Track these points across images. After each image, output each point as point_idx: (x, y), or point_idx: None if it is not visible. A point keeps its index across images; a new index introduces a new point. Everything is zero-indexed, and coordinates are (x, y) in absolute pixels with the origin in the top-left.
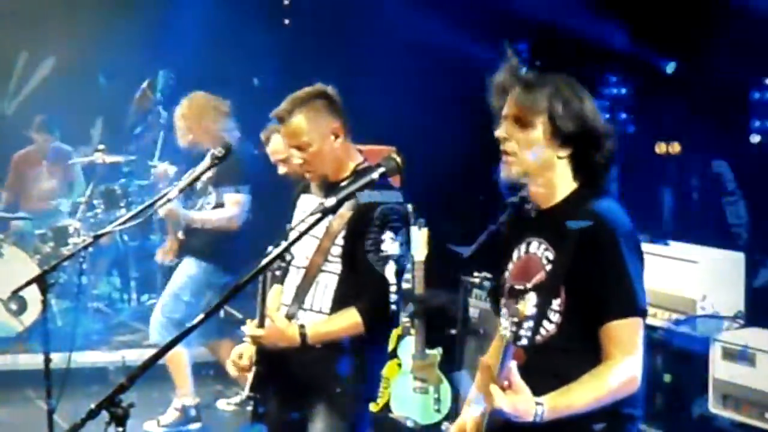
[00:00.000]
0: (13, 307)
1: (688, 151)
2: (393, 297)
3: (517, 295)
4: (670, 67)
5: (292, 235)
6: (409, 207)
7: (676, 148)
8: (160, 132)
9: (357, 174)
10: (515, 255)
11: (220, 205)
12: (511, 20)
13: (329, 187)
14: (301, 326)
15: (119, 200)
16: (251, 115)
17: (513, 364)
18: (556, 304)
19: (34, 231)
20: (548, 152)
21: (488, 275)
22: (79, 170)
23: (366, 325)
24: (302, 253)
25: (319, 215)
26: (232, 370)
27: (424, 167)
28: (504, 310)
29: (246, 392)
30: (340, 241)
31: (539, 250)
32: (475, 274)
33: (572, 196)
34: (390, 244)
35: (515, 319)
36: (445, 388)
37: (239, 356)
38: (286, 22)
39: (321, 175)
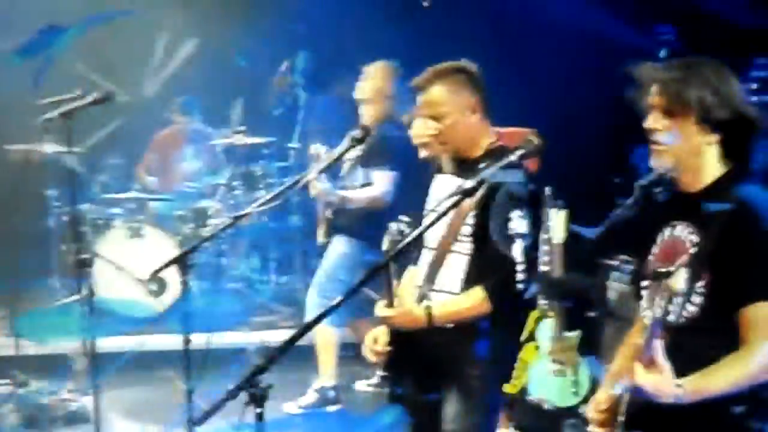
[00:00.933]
0: (153, 287)
1: None
2: (520, 276)
3: (662, 277)
4: None
5: (430, 218)
6: (548, 190)
7: None
8: (299, 114)
9: (490, 153)
10: (659, 238)
11: (368, 184)
12: (657, 3)
13: (461, 164)
14: (427, 306)
15: (259, 182)
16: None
17: (659, 343)
18: (698, 286)
19: (174, 212)
20: (698, 140)
21: (627, 258)
22: (220, 152)
23: (492, 303)
24: (434, 234)
25: (458, 197)
26: (369, 355)
27: (563, 149)
28: (646, 293)
29: (379, 372)
30: (470, 220)
31: (684, 233)
32: (613, 256)
33: (719, 180)
34: (518, 222)
35: (665, 294)
36: (584, 370)
37: (374, 341)
38: (425, 4)
39: (453, 149)
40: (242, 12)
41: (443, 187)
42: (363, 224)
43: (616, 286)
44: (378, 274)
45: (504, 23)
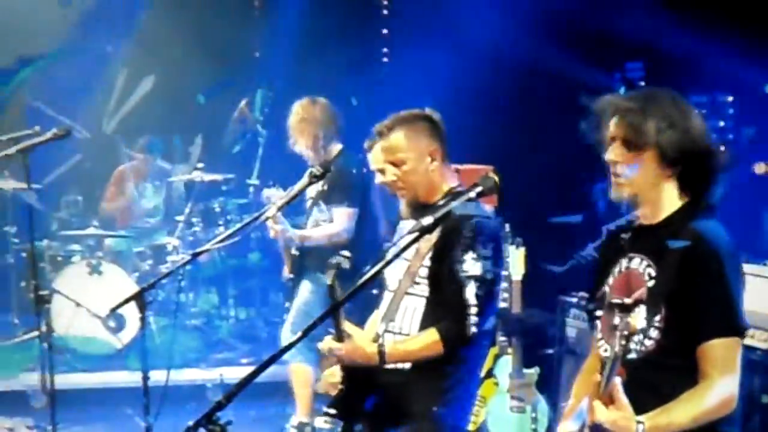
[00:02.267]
0: (112, 324)
1: None
2: (473, 319)
3: (617, 309)
4: None
5: (387, 256)
6: (506, 226)
7: None
8: (258, 150)
9: (451, 198)
10: (616, 269)
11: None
12: (617, 42)
13: (421, 210)
14: (380, 345)
15: (218, 218)
16: (350, 135)
17: (618, 380)
18: (656, 320)
19: (133, 249)
20: (657, 173)
21: (585, 295)
22: (182, 188)
23: (445, 345)
24: (393, 276)
25: (416, 234)
26: (325, 388)
27: (522, 187)
28: (600, 324)
29: (325, 408)
30: (427, 262)
31: (641, 266)
32: (573, 293)
33: (677, 214)
34: (471, 265)
35: (625, 333)
36: (543, 407)
37: (332, 374)
38: (385, 50)
39: (413, 195)
40: (202, 50)
41: (403, 233)
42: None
43: (575, 323)
44: (337, 311)
45: (467, 60)
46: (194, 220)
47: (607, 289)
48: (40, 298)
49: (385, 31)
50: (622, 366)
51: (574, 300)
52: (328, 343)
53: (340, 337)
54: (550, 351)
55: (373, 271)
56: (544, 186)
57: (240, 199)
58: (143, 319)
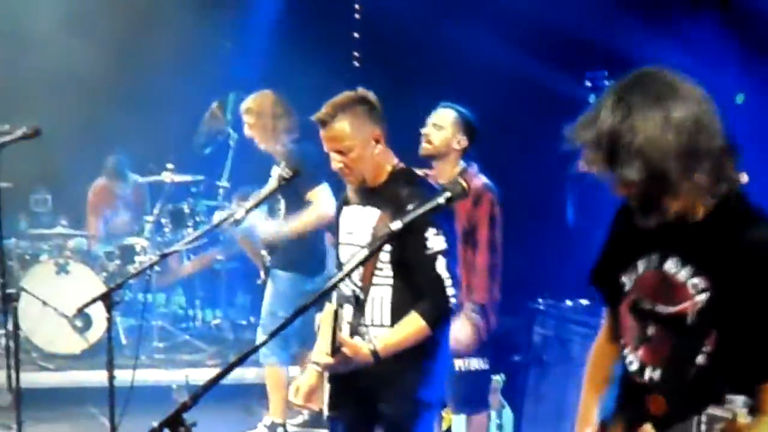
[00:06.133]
0: (79, 324)
1: None
2: (450, 291)
3: (651, 317)
4: (740, 98)
5: (357, 257)
6: None
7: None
8: (229, 153)
9: (394, 176)
10: (641, 265)
11: (291, 208)
12: (586, 49)
13: (367, 193)
14: (370, 342)
15: (186, 220)
16: (318, 140)
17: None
18: (705, 345)
19: (101, 249)
20: (663, 183)
21: (552, 302)
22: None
23: (431, 326)
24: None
25: (385, 239)
26: (297, 401)
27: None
28: (623, 325)
29: (326, 413)
30: (386, 246)
31: (682, 272)
32: (540, 300)
33: (723, 213)
34: (435, 240)
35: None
36: (507, 414)
37: (296, 390)
38: (356, 54)
39: (360, 180)
40: (175, 50)
41: (351, 219)
42: (291, 256)
43: (541, 331)
44: (304, 313)
45: (437, 67)
46: (163, 221)
47: (627, 284)
48: (7, 297)
49: (356, 35)
50: (660, 395)
51: (541, 307)
52: (322, 359)
53: (335, 350)
54: (517, 358)
55: (341, 275)
56: (518, 192)
57: (209, 201)
58: (110, 319)
